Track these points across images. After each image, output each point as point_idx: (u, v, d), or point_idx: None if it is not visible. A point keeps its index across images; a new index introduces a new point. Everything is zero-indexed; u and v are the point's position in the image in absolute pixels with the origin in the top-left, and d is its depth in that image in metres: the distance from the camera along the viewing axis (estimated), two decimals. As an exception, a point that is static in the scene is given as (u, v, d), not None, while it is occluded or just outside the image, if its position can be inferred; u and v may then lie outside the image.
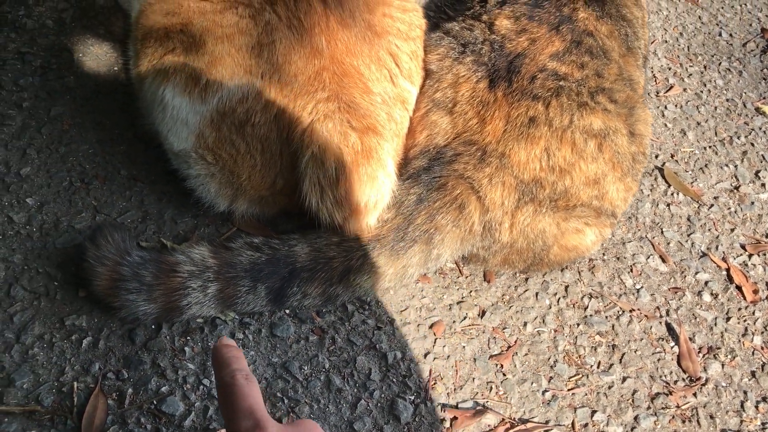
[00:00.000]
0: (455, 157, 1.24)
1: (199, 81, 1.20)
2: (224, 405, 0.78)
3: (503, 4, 1.47)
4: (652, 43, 1.98)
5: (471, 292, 1.32)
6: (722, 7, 2.22)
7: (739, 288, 1.41)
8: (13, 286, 1.17)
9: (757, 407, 1.25)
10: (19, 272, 1.19)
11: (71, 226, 1.28)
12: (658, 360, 1.28)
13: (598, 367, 1.25)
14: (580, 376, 1.24)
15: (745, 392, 1.27)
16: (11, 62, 1.56)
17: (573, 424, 1.17)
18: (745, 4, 2.24)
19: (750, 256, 1.48)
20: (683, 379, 1.26)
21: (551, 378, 1.23)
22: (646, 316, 1.34)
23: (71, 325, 1.14)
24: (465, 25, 1.45)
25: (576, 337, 1.28)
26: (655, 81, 1.90)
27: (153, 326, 1.16)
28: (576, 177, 1.24)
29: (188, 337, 1.16)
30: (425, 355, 1.22)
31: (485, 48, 1.36)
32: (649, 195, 1.57)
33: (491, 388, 1.20)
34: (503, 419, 1.15)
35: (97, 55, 1.63)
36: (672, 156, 1.69)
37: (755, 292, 1.41)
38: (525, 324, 1.29)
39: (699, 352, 1.30)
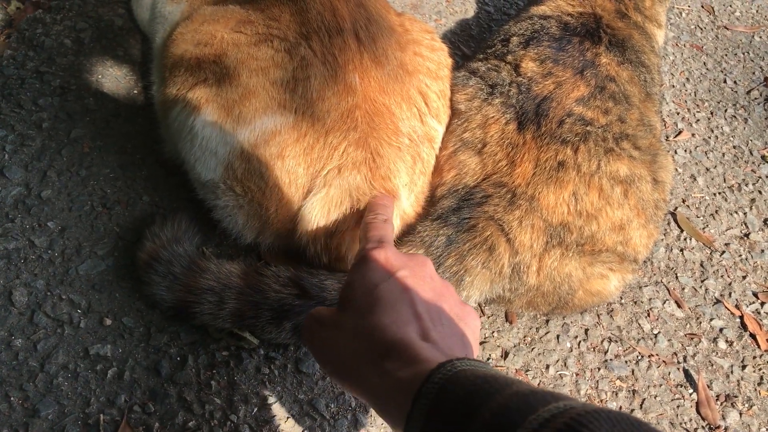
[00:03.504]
0: (485, 199, 1.25)
1: (231, 112, 1.20)
2: (360, 235, 1.05)
3: (527, 45, 1.50)
4: (661, 87, 2.02)
5: (493, 332, 1.32)
6: (726, 55, 2.27)
7: (753, 336, 1.43)
8: (36, 313, 1.15)
9: (772, 457, 1.27)
10: (41, 298, 1.17)
11: (93, 252, 1.26)
12: (678, 407, 1.28)
13: (618, 413, 1.26)
14: (601, 421, 1.24)
15: (760, 441, 1.28)
16: (30, 81, 1.54)
17: (596, 470, 1.17)
18: (748, 53, 2.30)
19: (762, 304, 1.50)
20: (703, 427, 1.27)
21: (573, 422, 1.23)
22: (664, 361, 1.35)
23: (96, 355, 1.12)
24: (491, 66, 1.47)
25: (597, 381, 1.29)
26: (665, 125, 1.93)
27: (178, 358, 1.14)
28: (602, 222, 1.25)
29: (214, 371, 1.14)
30: (449, 396, 1.21)
31: (513, 90, 1.37)
32: (663, 239, 1.59)
33: None
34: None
35: (116, 77, 1.62)
36: (683, 201, 1.71)
37: (769, 340, 1.43)
38: (547, 366, 1.29)
39: (717, 400, 1.31)
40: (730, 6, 2.52)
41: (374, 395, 0.77)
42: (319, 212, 1.21)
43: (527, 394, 0.60)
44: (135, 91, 1.60)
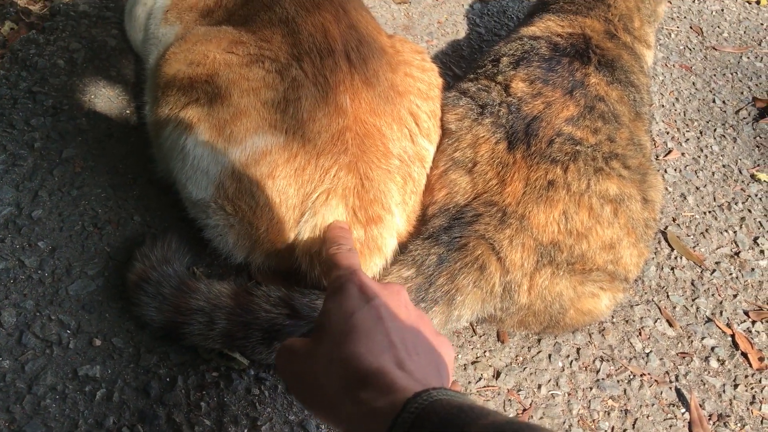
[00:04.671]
0: (476, 218, 1.25)
1: (222, 132, 1.20)
2: (326, 268, 1.02)
3: (517, 65, 1.51)
4: (651, 107, 2.03)
5: (485, 352, 1.32)
6: (715, 75, 2.29)
7: (744, 355, 1.43)
8: (24, 334, 1.15)
9: (765, 477, 1.26)
10: (30, 319, 1.17)
11: (84, 272, 1.25)
12: (671, 426, 1.28)
13: (610, 432, 1.26)
14: (593, 441, 1.24)
15: (753, 461, 1.28)
16: (23, 101, 1.55)
17: (588, 490, 1.17)
18: (736, 73, 2.32)
19: (753, 322, 1.50)
20: (695, 447, 1.26)
21: (565, 442, 1.22)
22: (656, 381, 1.34)
23: (84, 376, 1.11)
24: (481, 86, 1.48)
25: (590, 401, 1.28)
26: (655, 144, 1.94)
27: (168, 379, 1.14)
28: (593, 241, 1.25)
29: (204, 392, 1.13)
30: (440, 416, 1.21)
31: (503, 110, 1.38)
32: (653, 258, 1.59)
33: (506, 451, 1.19)
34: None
35: (108, 97, 1.63)
36: (674, 220, 1.72)
37: (761, 359, 1.42)
38: (539, 386, 1.29)
39: (710, 420, 1.31)
40: (718, 27, 2.55)
41: (349, 425, 0.76)
42: (308, 242, 1.21)
43: (503, 424, 0.60)
44: (127, 112, 1.61)
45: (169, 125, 1.26)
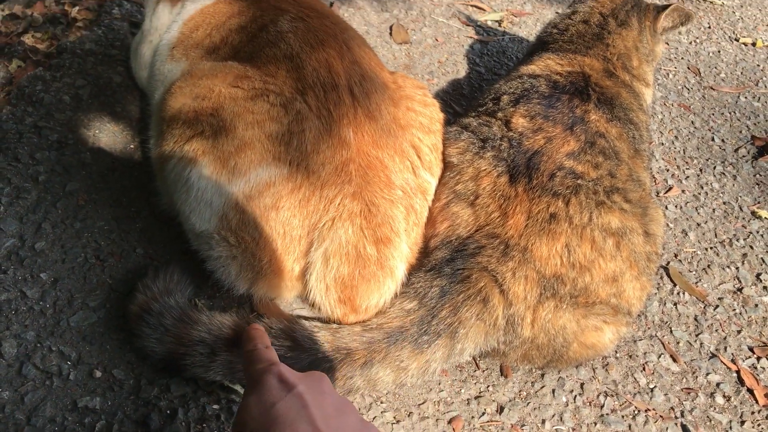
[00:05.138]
0: (478, 250, 1.26)
1: (226, 164, 1.21)
2: (244, 366, 0.98)
3: (517, 102, 1.53)
4: (650, 144, 2.05)
5: (488, 386, 1.31)
6: (713, 114, 2.32)
7: (750, 391, 1.41)
8: (24, 365, 1.14)
9: None
10: (31, 350, 1.16)
11: (85, 304, 1.25)
12: (677, 463, 1.26)
13: (616, 469, 1.24)
14: (599, 477, 1.22)
15: (762, 499, 1.26)
16: (28, 136, 1.56)
17: None
18: (734, 112, 2.35)
19: (758, 358, 1.49)
20: (702, 484, 1.24)
21: (570, 479, 1.20)
22: (661, 416, 1.33)
23: (84, 408, 1.10)
24: (482, 121, 1.49)
25: (594, 436, 1.27)
26: (655, 181, 1.95)
27: (168, 411, 1.13)
28: (595, 274, 1.25)
29: (205, 425, 1.12)
30: (443, 451, 1.19)
31: (504, 144, 1.40)
32: (656, 293, 1.59)
33: (510, 487, 1.17)
34: None
35: (113, 132, 1.64)
36: (675, 255, 1.72)
37: (767, 396, 1.41)
38: (543, 422, 1.27)
39: (716, 456, 1.29)
40: (716, 68, 2.58)
41: None
42: (322, 268, 1.21)
43: None
44: (131, 146, 1.62)
45: (173, 158, 1.27)
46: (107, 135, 1.63)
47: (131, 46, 1.77)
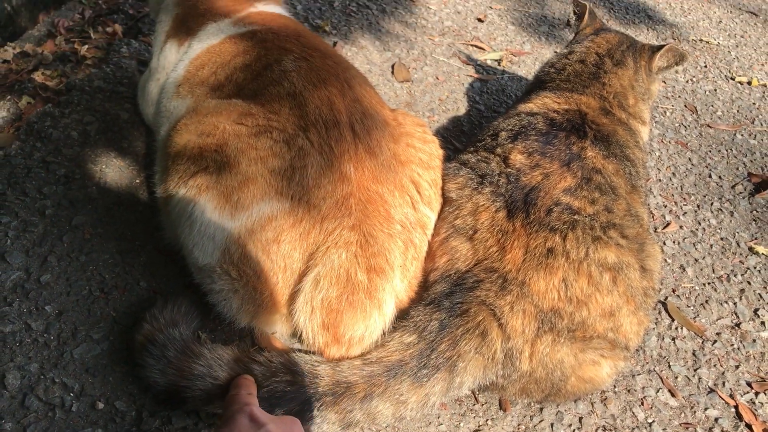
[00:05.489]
0: (477, 284, 1.27)
1: (230, 199, 1.24)
2: (224, 406, 1.01)
3: (515, 139, 1.56)
4: (647, 181, 2.08)
5: (487, 420, 1.32)
6: (710, 151, 2.35)
7: (749, 427, 1.41)
8: (27, 396, 1.15)
9: None
10: (34, 381, 1.17)
11: (89, 336, 1.27)
12: (676, 498, 1.26)
13: (615, 504, 1.24)
14: None
15: None
16: (36, 170, 1.60)
17: None
18: (731, 149, 2.38)
19: (756, 394, 1.50)
20: None
21: None
22: (660, 451, 1.33)
23: (85, 440, 1.11)
24: (481, 157, 1.52)
25: (593, 471, 1.27)
26: (653, 217, 1.98)
27: (168, 444, 1.14)
28: (592, 308, 1.27)
29: (204, 457, 1.13)
30: (442, 485, 1.20)
31: (502, 180, 1.42)
32: (654, 328, 1.60)
33: None
34: None
35: (119, 167, 1.68)
36: (673, 291, 1.74)
37: (765, 431, 1.41)
38: (542, 455, 1.28)
39: (715, 492, 1.29)
40: (712, 106, 2.62)
41: None
42: (310, 291, 1.23)
43: None
44: (137, 181, 1.65)
45: (178, 193, 1.30)
46: (114, 170, 1.67)
47: (139, 83, 1.81)
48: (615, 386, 1.44)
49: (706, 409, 1.44)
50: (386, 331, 1.28)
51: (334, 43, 2.41)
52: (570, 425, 1.34)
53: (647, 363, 1.52)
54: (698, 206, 2.07)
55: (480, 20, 2.87)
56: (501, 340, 1.23)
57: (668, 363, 1.53)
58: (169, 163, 1.34)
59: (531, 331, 1.24)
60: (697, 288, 1.76)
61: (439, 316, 1.25)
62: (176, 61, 1.63)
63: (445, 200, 1.44)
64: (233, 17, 1.60)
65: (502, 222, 1.35)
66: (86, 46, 2.16)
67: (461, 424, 1.30)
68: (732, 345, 1.61)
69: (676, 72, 2.82)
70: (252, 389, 1.10)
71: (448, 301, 1.27)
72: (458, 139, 2.11)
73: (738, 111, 2.63)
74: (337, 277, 1.22)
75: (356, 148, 1.30)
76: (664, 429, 1.38)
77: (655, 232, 1.93)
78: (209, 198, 1.25)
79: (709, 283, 1.78)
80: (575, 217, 1.34)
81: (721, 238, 1.96)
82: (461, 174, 1.47)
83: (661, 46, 1.86)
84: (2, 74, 2.03)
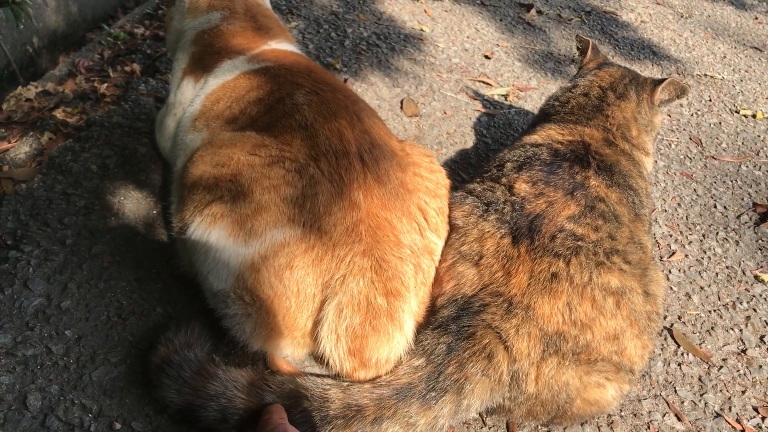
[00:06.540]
0: (483, 308, 1.31)
1: (243, 226, 1.28)
2: (258, 428, 1.10)
3: (520, 169, 1.60)
4: (653, 211, 2.12)
5: (495, 442, 1.34)
6: (715, 182, 2.39)
7: (756, 450, 1.43)
8: (48, 417, 1.19)
9: None
10: (54, 402, 1.21)
11: (107, 359, 1.31)
12: None
13: None
14: None
15: None
16: (57, 202, 1.65)
17: None
18: (736, 180, 2.41)
19: (763, 418, 1.51)
20: None
21: None
22: (667, 474, 1.35)
23: (103, 459, 1.14)
24: (486, 186, 1.57)
25: (600, 493, 1.29)
26: (659, 246, 2.01)
27: (183, 464, 1.17)
28: (597, 332, 1.30)
29: (218, 476, 1.16)
30: (450, 506, 1.22)
31: (507, 208, 1.47)
32: (660, 354, 1.62)
33: None
34: None
35: (137, 199, 1.74)
36: (679, 318, 1.76)
37: (772, 454, 1.42)
38: (549, 477, 1.29)
39: None
40: (717, 138, 2.67)
41: None
42: (334, 320, 1.27)
43: None
44: (154, 212, 1.71)
45: (193, 221, 1.34)
46: (131, 201, 1.72)
47: (156, 119, 1.88)
48: (621, 410, 1.46)
49: (712, 433, 1.46)
50: (409, 351, 1.32)
51: (345, 80, 2.48)
52: (577, 448, 1.36)
53: (653, 388, 1.54)
54: (704, 235, 2.10)
55: (487, 57, 2.94)
56: (507, 363, 1.26)
57: (674, 388, 1.55)
58: (185, 193, 1.39)
59: (536, 354, 1.27)
60: (702, 315, 1.78)
61: (446, 339, 1.29)
62: (193, 96, 1.70)
63: (452, 227, 1.49)
64: (248, 54, 1.67)
65: (507, 248, 1.39)
66: (105, 84, 2.25)
67: (469, 447, 1.32)
68: (738, 371, 1.63)
69: (681, 105, 2.87)
70: (283, 414, 1.16)
71: (455, 325, 1.31)
72: (466, 170, 2.16)
73: (743, 143, 2.67)
74: (358, 304, 1.27)
75: (365, 177, 1.35)
76: (670, 453, 1.40)
77: (660, 260, 1.96)
78: (224, 226, 1.30)
79: (714, 311, 1.81)
80: (579, 243, 1.38)
81: (727, 267, 1.98)
82: (467, 202, 1.52)
83: (663, 80, 1.92)
84: (25, 112, 2.11)
